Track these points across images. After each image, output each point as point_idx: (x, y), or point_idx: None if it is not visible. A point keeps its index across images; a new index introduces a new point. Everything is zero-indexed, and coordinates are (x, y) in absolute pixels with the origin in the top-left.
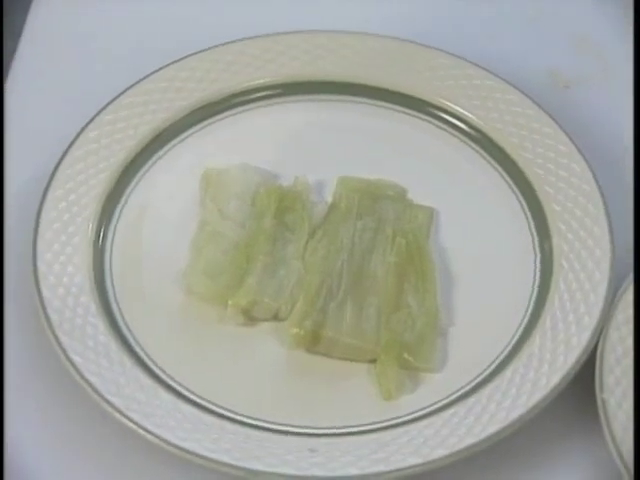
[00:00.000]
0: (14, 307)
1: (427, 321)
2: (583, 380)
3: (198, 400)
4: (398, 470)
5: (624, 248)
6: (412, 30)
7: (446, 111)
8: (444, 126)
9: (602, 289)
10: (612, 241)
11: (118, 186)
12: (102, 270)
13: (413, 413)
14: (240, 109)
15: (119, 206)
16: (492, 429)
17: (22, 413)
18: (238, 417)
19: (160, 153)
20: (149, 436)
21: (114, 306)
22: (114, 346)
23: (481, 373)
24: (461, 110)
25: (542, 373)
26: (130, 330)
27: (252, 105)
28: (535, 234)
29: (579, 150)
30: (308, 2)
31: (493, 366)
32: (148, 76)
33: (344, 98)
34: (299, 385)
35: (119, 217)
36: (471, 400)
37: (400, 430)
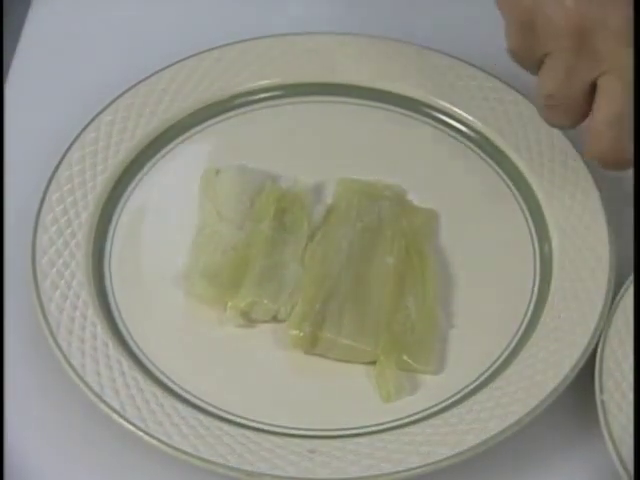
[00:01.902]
0: (13, 309)
1: (426, 323)
2: (583, 382)
3: (197, 402)
4: (397, 472)
5: (624, 249)
6: (412, 32)
7: (446, 113)
8: (444, 128)
9: (602, 290)
10: (612, 242)
11: (117, 188)
12: (101, 272)
13: (412, 415)
14: (239, 111)
15: (118, 208)
16: (491, 431)
17: (21, 414)
18: (237, 418)
19: (159, 155)
20: (147, 437)
21: (113, 308)
22: (113, 348)
23: (481, 375)
24: (460, 112)
25: (542, 375)
26: (129, 332)
27: (251, 107)
28: (535, 236)
29: (578, 151)
30: (309, 3)
31: (493, 368)
32: (147, 77)
33: (343, 100)
34: (298, 386)
35: (118, 219)
36: (470, 402)
37: (399, 432)
